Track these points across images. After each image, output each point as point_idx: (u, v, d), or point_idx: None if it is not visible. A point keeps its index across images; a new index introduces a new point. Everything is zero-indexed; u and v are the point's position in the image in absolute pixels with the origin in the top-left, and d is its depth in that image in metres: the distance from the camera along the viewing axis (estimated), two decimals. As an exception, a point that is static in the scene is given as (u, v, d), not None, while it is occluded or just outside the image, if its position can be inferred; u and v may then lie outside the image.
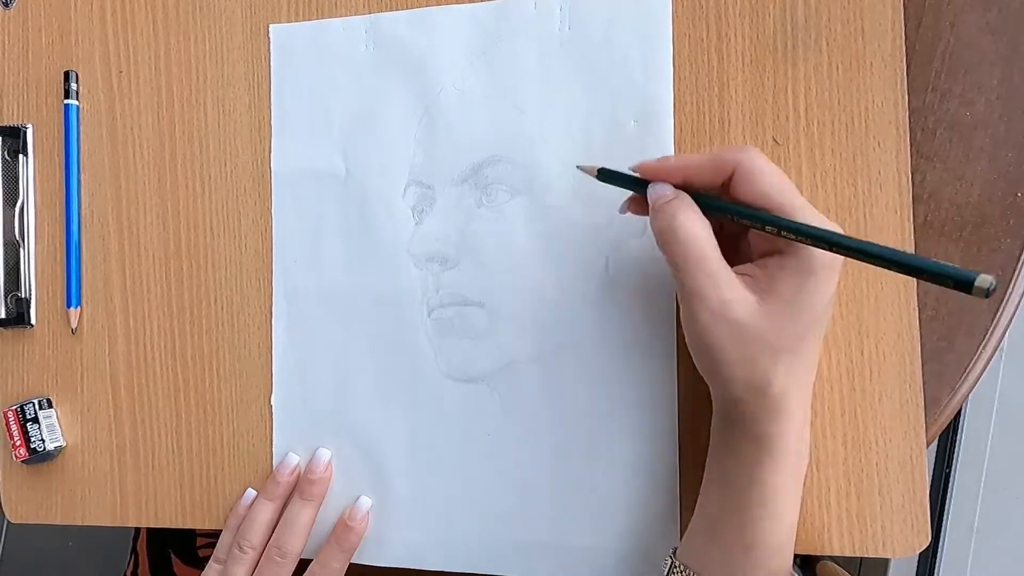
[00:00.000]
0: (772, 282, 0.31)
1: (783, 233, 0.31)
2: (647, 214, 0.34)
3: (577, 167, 0.37)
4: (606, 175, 0.36)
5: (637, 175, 0.35)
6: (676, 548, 0.36)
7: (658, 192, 0.33)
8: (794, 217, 0.31)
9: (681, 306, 0.33)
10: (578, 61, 0.40)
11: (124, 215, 0.46)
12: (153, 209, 0.46)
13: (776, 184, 0.31)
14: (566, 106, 0.40)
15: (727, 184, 0.32)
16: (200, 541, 0.59)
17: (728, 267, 0.32)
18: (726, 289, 0.31)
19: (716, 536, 0.34)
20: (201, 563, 0.57)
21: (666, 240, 0.32)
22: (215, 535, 0.44)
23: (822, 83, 0.37)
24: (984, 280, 0.26)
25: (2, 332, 0.48)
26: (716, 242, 0.32)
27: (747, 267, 0.32)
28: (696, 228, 0.32)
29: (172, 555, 0.59)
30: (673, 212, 0.32)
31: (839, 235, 0.30)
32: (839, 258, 0.31)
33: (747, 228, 0.33)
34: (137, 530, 0.63)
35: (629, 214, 0.36)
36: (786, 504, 0.33)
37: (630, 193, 0.36)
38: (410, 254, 0.42)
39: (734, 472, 0.33)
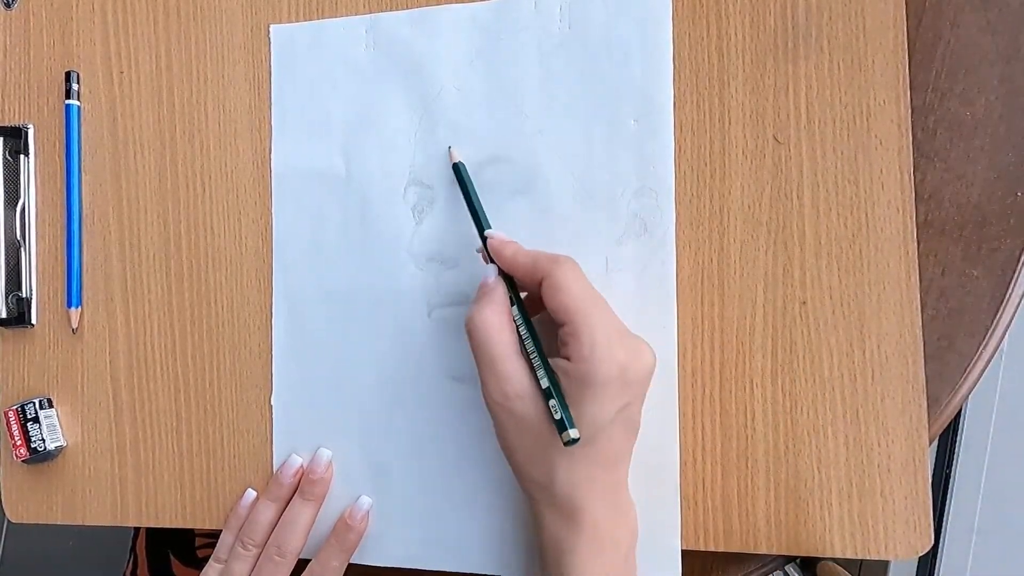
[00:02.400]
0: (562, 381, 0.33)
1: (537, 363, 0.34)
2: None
3: (448, 147, 0.41)
4: (457, 172, 0.40)
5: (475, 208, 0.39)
6: None
7: (484, 277, 0.37)
8: (578, 332, 0.32)
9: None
10: (578, 61, 0.40)
11: (124, 215, 0.46)
12: (153, 209, 0.46)
13: (570, 298, 0.33)
14: (566, 106, 0.40)
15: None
16: (199, 542, 0.58)
17: (519, 363, 0.34)
18: (508, 383, 0.34)
19: None
20: (199, 563, 0.57)
21: (467, 325, 0.35)
22: (214, 535, 0.44)
23: (823, 81, 0.37)
24: (568, 435, 0.32)
25: (3, 332, 0.48)
26: (512, 337, 0.34)
27: (555, 361, 0.34)
28: (491, 323, 0.34)
29: (171, 555, 0.59)
30: (480, 302, 0.35)
31: (561, 403, 0.33)
32: (631, 375, 0.33)
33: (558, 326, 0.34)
34: (136, 530, 0.62)
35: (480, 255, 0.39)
36: None
37: None
38: (410, 254, 0.42)
39: (543, 569, 0.35)
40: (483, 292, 0.36)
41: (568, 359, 0.33)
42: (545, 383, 0.33)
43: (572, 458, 0.33)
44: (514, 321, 0.35)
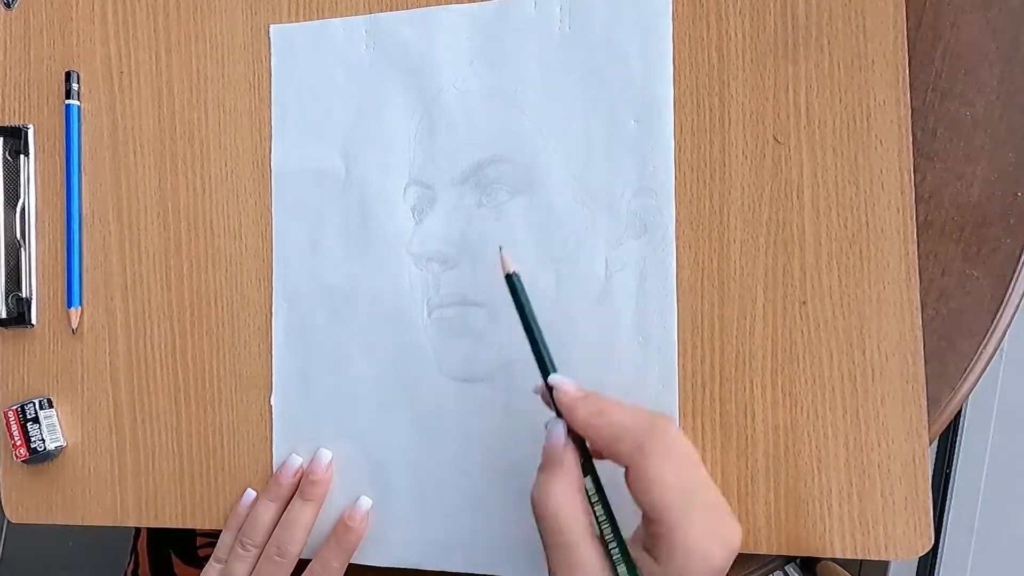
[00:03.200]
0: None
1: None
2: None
3: (499, 248, 0.37)
4: (511, 284, 0.35)
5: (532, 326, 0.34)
6: None
7: (552, 439, 0.32)
8: (671, 540, 0.29)
9: None
10: (578, 61, 0.40)
11: (124, 215, 0.46)
12: (153, 209, 0.46)
13: (663, 494, 0.30)
14: (566, 106, 0.40)
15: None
16: (200, 541, 0.58)
17: (595, 550, 0.30)
18: (581, 572, 0.30)
19: None
20: (201, 563, 0.57)
21: (534, 505, 0.31)
22: (215, 535, 0.44)
23: (823, 81, 0.37)
24: None
25: (3, 332, 0.48)
26: (586, 518, 0.31)
27: (640, 556, 0.31)
28: (562, 502, 0.30)
29: (172, 555, 0.59)
30: (549, 480, 0.31)
31: None
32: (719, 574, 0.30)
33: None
34: (137, 530, 0.62)
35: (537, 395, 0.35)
36: None
37: None
38: (410, 254, 0.42)
39: None
40: (549, 458, 0.32)
41: (656, 560, 0.29)
42: (614, 536, 0.30)
43: None
44: (586, 494, 0.32)
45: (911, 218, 0.36)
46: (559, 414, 0.33)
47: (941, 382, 0.37)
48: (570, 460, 0.32)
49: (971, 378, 0.38)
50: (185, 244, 0.45)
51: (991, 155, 0.37)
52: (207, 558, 0.44)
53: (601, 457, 0.33)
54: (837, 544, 0.37)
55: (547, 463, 0.32)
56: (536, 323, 0.35)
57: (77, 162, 0.46)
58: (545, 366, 0.34)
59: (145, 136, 0.46)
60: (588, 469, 0.32)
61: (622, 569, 0.30)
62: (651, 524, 0.30)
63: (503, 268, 0.36)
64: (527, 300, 0.35)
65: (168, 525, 0.46)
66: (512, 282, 0.35)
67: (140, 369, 0.46)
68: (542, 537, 0.31)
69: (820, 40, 0.37)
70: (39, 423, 0.46)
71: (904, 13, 0.37)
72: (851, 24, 0.37)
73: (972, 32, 0.37)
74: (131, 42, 0.46)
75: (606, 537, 0.31)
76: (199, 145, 0.45)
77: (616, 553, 0.31)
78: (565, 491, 0.31)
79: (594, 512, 0.32)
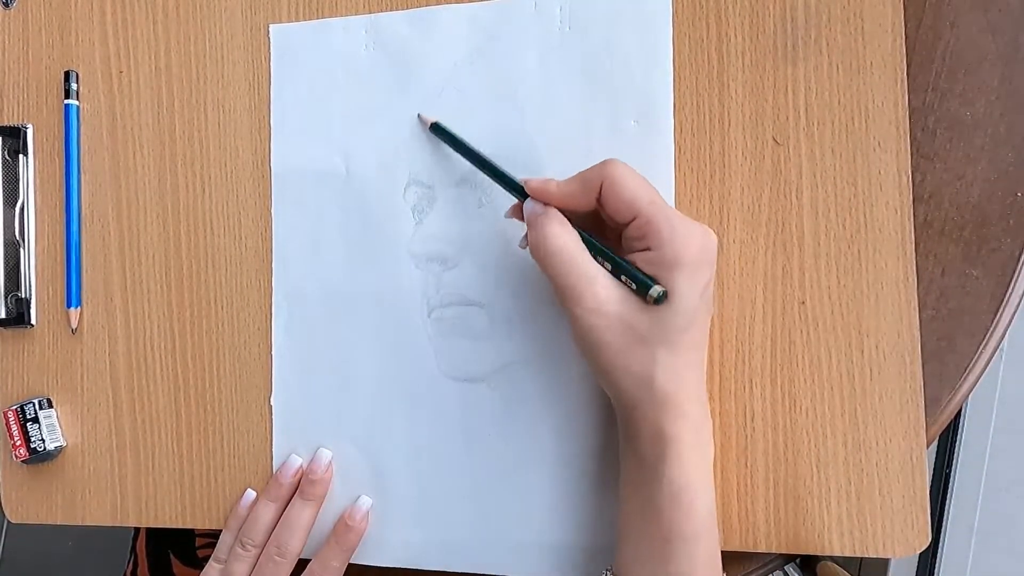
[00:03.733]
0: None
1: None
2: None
3: (418, 114, 0.41)
4: (437, 130, 0.40)
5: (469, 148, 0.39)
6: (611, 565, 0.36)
7: (530, 209, 0.36)
8: (654, 218, 0.33)
9: (565, 312, 0.35)
10: (578, 61, 0.40)
11: (124, 215, 0.46)
12: (153, 209, 0.46)
13: (635, 189, 0.33)
14: (566, 106, 0.40)
15: (600, 200, 0.34)
16: (199, 542, 0.59)
17: (599, 267, 0.34)
18: (600, 287, 0.33)
19: (636, 534, 0.34)
20: (200, 563, 0.57)
21: (539, 251, 0.35)
22: (214, 535, 0.44)
23: (822, 83, 0.37)
24: (656, 290, 0.32)
25: (2, 332, 0.48)
26: (584, 248, 0.34)
27: (634, 256, 0.34)
28: (564, 237, 0.34)
29: (171, 556, 0.59)
30: (543, 225, 0.35)
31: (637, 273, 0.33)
32: (707, 254, 0.33)
33: (622, 227, 0.34)
34: (136, 531, 0.63)
35: (512, 218, 0.38)
36: (695, 495, 0.33)
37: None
38: (410, 254, 0.42)
39: (638, 471, 0.34)
40: (537, 216, 0.35)
41: (649, 249, 0.33)
42: (623, 263, 0.33)
43: (672, 347, 0.33)
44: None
45: (909, 218, 0.36)
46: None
47: (941, 382, 0.37)
48: (554, 209, 0.35)
49: (971, 378, 0.38)
50: (185, 244, 0.45)
51: (991, 155, 0.37)
52: (206, 559, 0.44)
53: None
54: (836, 542, 0.37)
55: (535, 221, 0.35)
56: (480, 152, 0.39)
57: (76, 162, 0.46)
58: (510, 180, 0.37)
59: (145, 136, 0.46)
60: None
61: (614, 259, 0.34)
62: (632, 223, 0.33)
63: (424, 126, 0.40)
64: (460, 138, 0.39)
65: (168, 525, 0.46)
66: (439, 127, 0.40)
67: (140, 369, 0.46)
68: (554, 276, 0.34)
69: (819, 42, 0.37)
70: (39, 423, 0.46)
71: (902, 16, 0.37)
72: (850, 26, 0.37)
73: (972, 32, 0.38)
74: (130, 42, 0.46)
75: (599, 248, 0.34)
76: (199, 145, 0.45)
77: (608, 252, 0.34)
78: (562, 228, 0.35)
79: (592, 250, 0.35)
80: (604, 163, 0.34)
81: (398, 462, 0.42)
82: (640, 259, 0.33)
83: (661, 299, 0.32)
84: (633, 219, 0.33)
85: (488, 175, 0.39)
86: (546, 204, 0.36)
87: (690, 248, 0.32)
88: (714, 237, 0.34)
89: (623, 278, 0.34)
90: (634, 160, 0.39)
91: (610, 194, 0.33)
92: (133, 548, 0.62)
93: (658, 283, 0.32)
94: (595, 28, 0.40)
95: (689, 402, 0.33)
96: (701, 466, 0.33)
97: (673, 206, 0.38)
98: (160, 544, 0.60)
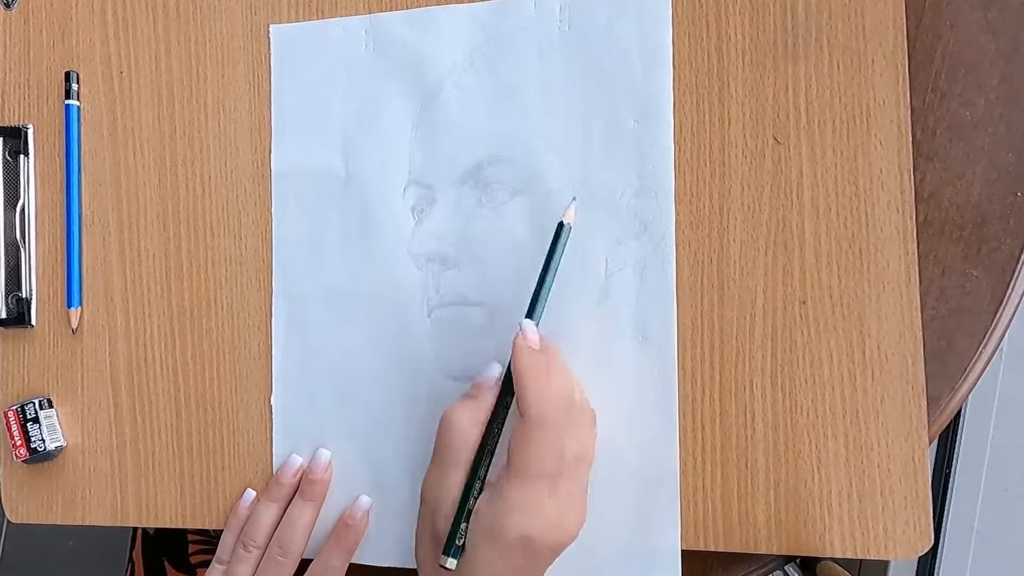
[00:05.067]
0: None
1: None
2: None
3: (573, 198, 0.39)
4: (558, 233, 0.38)
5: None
6: None
7: (485, 374, 0.37)
8: (509, 485, 0.33)
9: None
10: (578, 61, 0.40)
11: (124, 215, 0.46)
12: (153, 209, 0.46)
13: (521, 456, 0.33)
14: (566, 106, 0.40)
15: None
16: (192, 548, 0.59)
17: (463, 473, 0.35)
18: (442, 484, 0.35)
19: None
20: (193, 569, 0.57)
21: (443, 420, 0.36)
22: (207, 542, 0.44)
23: (823, 81, 0.37)
24: (444, 560, 0.34)
25: (3, 332, 0.48)
26: (473, 446, 0.35)
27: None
28: (460, 424, 0.35)
29: (165, 562, 0.59)
30: (461, 401, 0.36)
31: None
32: (535, 546, 0.33)
33: None
34: (132, 539, 0.63)
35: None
36: None
37: None
38: (410, 254, 0.42)
39: None
40: (475, 389, 0.37)
41: (488, 498, 0.34)
42: (468, 501, 0.35)
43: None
44: (489, 428, 0.36)
45: (911, 218, 0.36)
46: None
47: (941, 382, 0.37)
48: (488, 399, 0.36)
49: (971, 378, 0.38)
50: (185, 244, 0.45)
51: (991, 155, 0.37)
52: (199, 564, 0.44)
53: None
54: (837, 544, 0.37)
55: (469, 392, 0.37)
56: (552, 279, 0.37)
57: (77, 162, 0.46)
58: (532, 310, 0.37)
59: (145, 136, 0.46)
60: (502, 410, 0.36)
61: (473, 490, 0.35)
62: (502, 468, 0.34)
63: (565, 216, 0.38)
64: (561, 254, 0.37)
65: (168, 525, 0.46)
66: (560, 231, 0.37)
67: (140, 369, 0.46)
68: (436, 448, 0.36)
69: (820, 40, 0.37)
70: (39, 423, 0.46)
71: (904, 13, 0.37)
72: (851, 24, 0.37)
73: (972, 32, 0.37)
74: (131, 42, 0.46)
75: (476, 462, 0.35)
76: (199, 145, 0.45)
77: (479, 473, 0.35)
78: (472, 420, 0.36)
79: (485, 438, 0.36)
80: (541, 414, 0.34)
81: (398, 462, 0.42)
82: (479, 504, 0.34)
83: (450, 570, 0.34)
84: (507, 468, 0.34)
85: (534, 292, 0.37)
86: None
87: (508, 531, 0.32)
88: (571, 531, 0.34)
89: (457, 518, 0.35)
90: (634, 160, 0.39)
91: (516, 436, 0.34)
92: (130, 556, 0.62)
93: (449, 558, 0.34)
94: (595, 28, 0.40)
95: None
96: None
97: (673, 207, 0.38)
98: (155, 551, 0.60)
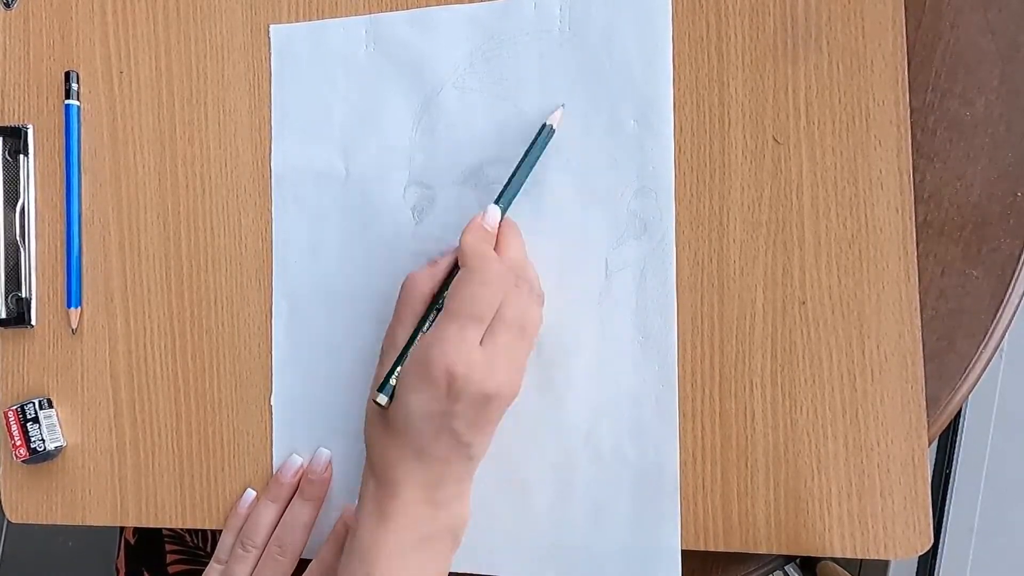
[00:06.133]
0: None
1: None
2: None
3: (562, 105, 0.40)
4: (540, 135, 0.39)
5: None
6: None
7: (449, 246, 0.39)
8: (439, 322, 0.35)
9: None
10: (578, 61, 0.40)
11: (124, 215, 0.46)
12: (153, 209, 0.46)
13: (453, 293, 0.35)
14: (566, 106, 0.40)
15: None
16: (170, 558, 0.58)
17: (411, 326, 0.37)
18: (391, 335, 0.37)
19: None
20: None
21: (406, 281, 0.38)
22: (185, 552, 0.44)
23: (822, 82, 0.37)
24: (374, 395, 0.36)
25: (2, 332, 0.48)
26: (422, 307, 0.37)
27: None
28: (416, 285, 0.37)
29: (145, 572, 0.59)
30: (425, 273, 0.38)
31: None
32: (458, 387, 0.34)
33: None
34: (117, 549, 0.63)
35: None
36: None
37: None
38: (410, 254, 0.42)
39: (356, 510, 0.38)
40: (436, 259, 0.38)
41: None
42: (409, 347, 0.36)
43: (386, 435, 0.36)
44: (442, 286, 0.37)
45: (910, 218, 0.36)
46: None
47: (941, 382, 0.37)
48: (443, 264, 0.38)
49: (971, 378, 0.38)
50: (185, 244, 0.45)
51: (991, 155, 0.37)
52: (176, 575, 0.44)
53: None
54: (837, 543, 0.37)
55: (432, 260, 0.39)
56: (526, 174, 0.39)
57: (77, 162, 0.46)
58: (500, 197, 0.38)
59: (145, 136, 0.46)
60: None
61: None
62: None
63: (551, 118, 0.39)
64: (539, 154, 0.39)
65: (168, 525, 0.46)
66: (542, 131, 0.39)
67: (140, 369, 0.46)
68: (397, 303, 0.38)
69: (819, 41, 0.37)
70: (39, 423, 0.46)
71: (903, 14, 0.37)
72: (850, 25, 0.37)
73: (972, 32, 0.37)
74: (131, 42, 0.46)
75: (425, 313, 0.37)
76: (199, 145, 0.45)
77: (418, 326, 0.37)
78: (424, 281, 0.37)
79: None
80: (486, 258, 0.35)
81: (398, 462, 0.42)
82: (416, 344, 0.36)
83: (377, 404, 0.36)
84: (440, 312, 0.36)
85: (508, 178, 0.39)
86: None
87: (434, 365, 0.34)
88: (488, 387, 0.34)
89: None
90: (634, 160, 0.39)
91: (455, 280, 0.36)
92: (116, 565, 0.62)
93: (380, 392, 0.36)
94: (595, 28, 0.40)
95: (399, 493, 0.35)
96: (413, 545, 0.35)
97: (673, 207, 0.39)
98: (136, 562, 0.60)
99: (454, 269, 0.37)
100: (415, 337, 0.36)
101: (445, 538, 0.37)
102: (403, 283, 0.38)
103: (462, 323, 0.34)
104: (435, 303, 0.37)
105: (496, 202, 0.38)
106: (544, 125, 0.39)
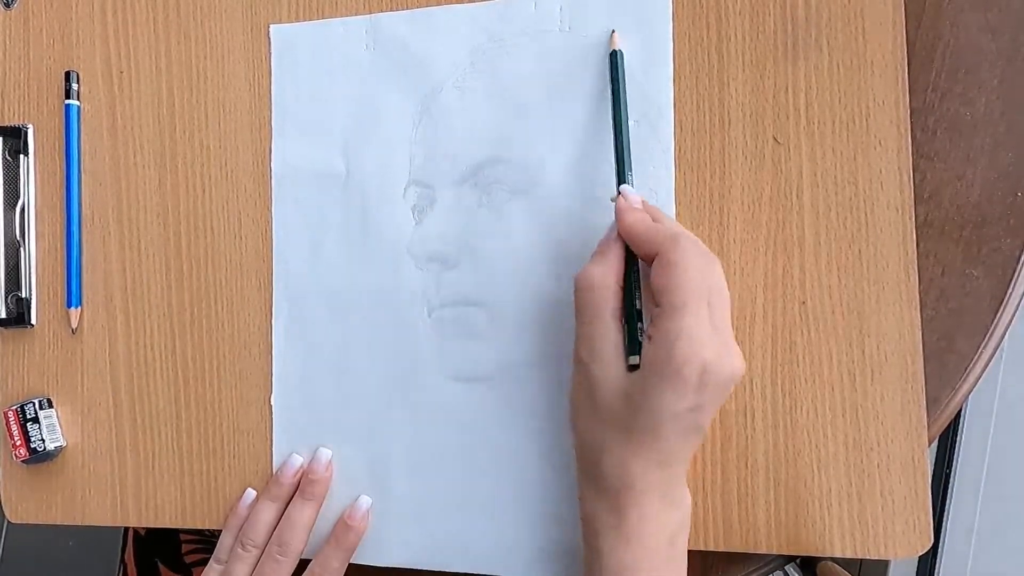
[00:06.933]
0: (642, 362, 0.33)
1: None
2: None
3: (612, 31, 0.39)
4: (613, 63, 0.38)
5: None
6: None
7: (606, 234, 0.36)
8: (670, 319, 0.32)
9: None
10: (578, 61, 0.40)
11: (124, 215, 0.46)
12: (153, 209, 0.46)
13: (672, 285, 0.32)
14: (566, 106, 0.40)
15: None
16: (186, 548, 0.58)
17: (613, 326, 0.34)
18: (594, 342, 0.34)
19: None
20: (188, 569, 0.57)
21: (576, 283, 0.35)
22: (202, 541, 0.44)
23: (823, 82, 0.37)
24: (633, 359, 0.33)
25: (2, 332, 0.48)
26: (614, 302, 0.34)
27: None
28: (596, 281, 0.34)
29: (159, 564, 0.59)
30: (590, 263, 0.35)
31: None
32: (709, 378, 0.31)
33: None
34: (123, 541, 0.62)
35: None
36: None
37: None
38: (410, 254, 0.42)
39: (585, 532, 0.35)
40: (599, 249, 0.36)
41: (650, 338, 0.32)
42: (634, 317, 0.34)
43: (624, 442, 0.33)
44: (621, 285, 0.35)
45: (910, 218, 0.36)
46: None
47: (941, 382, 0.37)
48: (615, 251, 0.35)
49: (971, 378, 0.38)
50: (185, 244, 0.45)
51: (991, 155, 0.37)
52: (194, 564, 0.44)
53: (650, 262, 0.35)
54: (837, 543, 0.37)
55: (595, 253, 0.36)
56: (626, 119, 0.37)
57: (77, 162, 0.46)
58: (622, 173, 0.37)
59: (145, 136, 0.46)
60: (631, 263, 0.35)
61: (633, 337, 0.34)
62: (657, 308, 0.33)
63: (612, 44, 0.38)
64: (625, 84, 0.37)
65: (168, 525, 0.46)
66: (615, 58, 0.38)
67: (140, 369, 0.46)
68: (576, 313, 0.35)
69: (820, 41, 0.37)
70: (39, 423, 0.46)
71: (903, 14, 0.37)
72: (850, 25, 0.37)
73: (972, 32, 0.38)
74: (131, 42, 0.46)
75: (627, 306, 0.34)
76: (199, 145, 0.45)
77: (630, 329, 0.34)
78: (602, 274, 0.34)
79: (625, 298, 0.35)
80: (674, 237, 0.33)
81: (398, 462, 0.42)
82: (644, 347, 0.33)
83: (632, 368, 0.33)
84: (658, 306, 0.32)
85: (615, 139, 0.37)
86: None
87: (683, 362, 0.31)
88: (735, 365, 0.32)
89: (628, 327, 0.34)
90: (634, 160, 0.39)
91: (655, 271, 0.33)
92: (122, 558, 0.62)
93: (634, 355, 0.33)
94: (595, 28, 0.40)
95: (636, 500, 0.33)
96: (657, 561, 0.33)
97: (673, 207, 0.39)
98: (148, 553, 0.60)
99: (626, 255, 0.35)
100: (634, 330, 0.34)
101: (684, 531, 0.35)
102: (576, 288, 0.35)
103: (692, 310, 0.31)
104: (629, 279, 0.35)
105: (618, 173, 0.37)
106: (614, 52, 0.38)
